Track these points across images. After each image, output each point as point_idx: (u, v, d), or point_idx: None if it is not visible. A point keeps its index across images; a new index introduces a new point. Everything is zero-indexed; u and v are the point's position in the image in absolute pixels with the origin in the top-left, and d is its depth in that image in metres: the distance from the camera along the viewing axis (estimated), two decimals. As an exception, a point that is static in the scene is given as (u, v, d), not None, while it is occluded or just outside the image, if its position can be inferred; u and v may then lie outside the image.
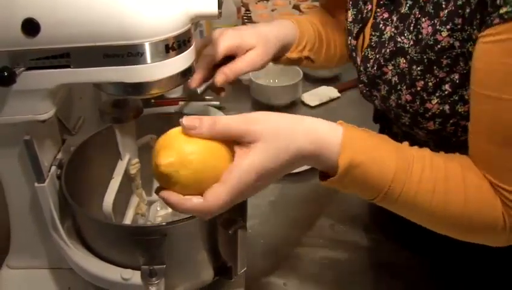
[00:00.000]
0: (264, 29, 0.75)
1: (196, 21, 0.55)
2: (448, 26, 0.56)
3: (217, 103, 1.17)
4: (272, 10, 1.68)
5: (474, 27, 0.53)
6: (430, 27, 0.58)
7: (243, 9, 1.63)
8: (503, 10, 0.48)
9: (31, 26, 0.48)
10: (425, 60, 0.60)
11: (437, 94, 0.61)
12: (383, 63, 0.66)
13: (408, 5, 0.63)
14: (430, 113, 0.62)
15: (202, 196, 0.48)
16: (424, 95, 0.61)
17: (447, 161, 0.55)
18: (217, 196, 0.48)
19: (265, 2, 1.77)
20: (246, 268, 0.63)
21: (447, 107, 0.61)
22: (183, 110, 1.03)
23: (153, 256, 0.57)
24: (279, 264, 0.80)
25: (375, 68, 0.68)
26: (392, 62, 0.65)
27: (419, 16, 0.60)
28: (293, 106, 1.21)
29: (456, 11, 0.55)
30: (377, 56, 0.68)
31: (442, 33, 0.57)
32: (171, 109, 1.05)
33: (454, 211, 0.54)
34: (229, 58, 0.72)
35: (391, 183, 0.53)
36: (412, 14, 0.62)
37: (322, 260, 0.81)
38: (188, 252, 0.60)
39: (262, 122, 0.50)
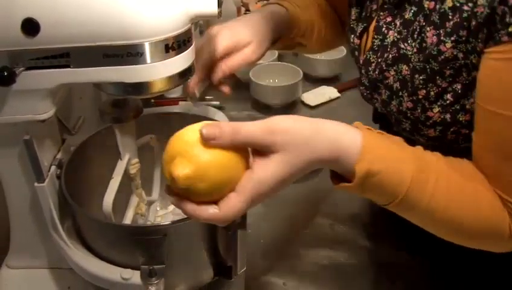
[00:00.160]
0: (258, 23, 0.76)
1: (196, 21, 0.55)
2: (452, 38, 0.56)
3: (217, 102, 1.17)
4: (272, 10, 1.68)
5: (479, 40, 0.53)
6: (434, 37, 0.58)
7: (243, 9, 1.63)
8: None
9: (30, 26, 0.48)
10: (428, 70, 0.59)
11: (439, 103, 0.60)
12: (384, 68, 0.66)
13: (413, 11, 0.62)
14: (431, 121, 0.62)
15: (217, 203, 0.48)
16: (426, 104, 0.61)
17: (461, 169, 0.55)
18: (232, 205, 0.47)
19: (265, 1, 1.77)
20: (245, 268, 0.63)
21: (448, 116, 0.61)
22: (183, 110, 1.02)
23: (153, 256, 0.57)
24: (279, 264, 0.80)
25: (376, 72, 0.67)
26: (394, 68, 0.64)
27: (424, 23, 0.60)
28: (293, 106, 1.21)
29: (461, 23, 0.54)
30: (379, 60, 0.67)
31: (447, 44, 0.56)
32: (171, 109, 1.05)
33: (465, 220, 0.54)
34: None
35: (406, 191, 0.52)
36: (416, 21, 0.61)
37: (321, 260, 0.81)
38: (188, 252, 0.60)
39: (284, 132, 0.48)
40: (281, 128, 0.48)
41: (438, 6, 0.57)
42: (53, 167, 0.63)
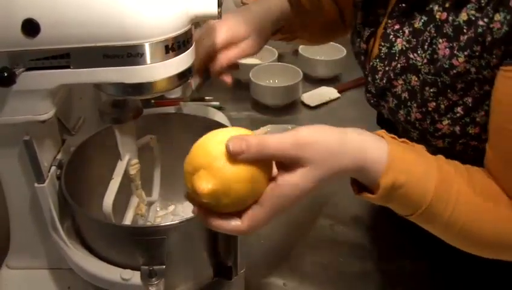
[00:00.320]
0: (257, 16, 0.76)
1: (196, 21, 0.55)
2: (466, 53, 0.55)
3: (217, 103, 1.17)
4: (272, 10, 1.68)
5: (494, 56, 0.52)
6: (447, 49, 0.57)
7: (242, 9, 1.63)
8: None
9: (30, 27, 0.48)
10: (439, 83, 0.58)
11: (448, 116, 0.60)
12: (392, 77, 0.64)
13: (423, 20, 0.61)
14: (440, 133, 0.61)
15: (240, 214, 0.48)
16: (435, 116, 0.61)
17: (481, 182, 0.55)
18: (255, 218, 0.48)
19: (265, 2, 1.77)
20: (245, 268, 0.63)
21: (457, 128, 0.60)
22: (183, 111, 1.02)
23: (153, 256, 0.57)
24: (279, 265, 0.80)
25: (384, 81, 0.66)
26: (403, 77, 0.63)
27: (436, 35, 0.58)
28: (292, 107, 1.21)
29: (476, 38, 0.53)
30: (386, 68, 0.66)
31: (459, 58, 0.55)
32: (171, 109, 1.05)
33: (486, 234, 0.54)
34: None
35: (429, 204, 0.52)
36: (426, 31, 0.60)
37: (321, 261, 0.81)
38: (188, 253, 0.60)
39: (312, 146, 0.47)
40: (308, 141, 0.47)
41: (451, 18, 0.56)
42: (53, 168, 0.63)
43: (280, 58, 1.33)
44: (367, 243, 0.84)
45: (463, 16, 0.55)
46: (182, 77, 0.55)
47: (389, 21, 0.66)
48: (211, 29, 0.72)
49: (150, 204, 0.76)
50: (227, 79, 0.75)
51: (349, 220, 0.89)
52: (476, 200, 0.53)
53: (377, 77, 0.68)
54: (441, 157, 0.55)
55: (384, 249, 0.82)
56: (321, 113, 1.20)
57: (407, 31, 0.63)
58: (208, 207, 0.47)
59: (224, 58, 0.72)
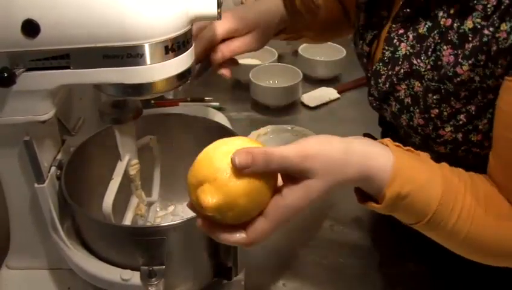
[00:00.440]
0: (260, 10, 0.75)
1: (195, 22, 0.55)
2: (470, 61, 0.54)
3: (217, 104, 1.17)
4: (272, 11, 1.68)
5: (499, 66, 0.52)
6: (452, 56, 0.56)
7: (242, 10, 1.63)
8: None
9: (30, 27, 0.48)
10: (443, 90, 0.58)
11: (451, 123, 0.60)
12: (395, 82, 0.64)
13: (427, 26, 0.60)
14: (442, 139, 0.61)
15: (244, 226, 0.48)
16: (438, 123, 0.60)
17: (484, 191, 0.55)
18: (260, 231, 0.48)
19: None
20: (245, 269, 0.63)
21: (460, 135, 0.60)
22: (183, 111, 1.03)
23: (153, 257, 0.57)
24: (279, 265, 0.80)
25: (387, 85, 0.66)
26: (406, 82, 0.63)
27: (440, 41, 0.58)
28: (292, 107, 1.21)
29: (481, 47, 0.53)
30: (390, 73, 0.65)
31: (463, 67, 0.55)
32: (171, 110, 1.05)
33: (488, 243, 0.54)
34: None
35: (433, 213, 0.52)
36: (430, 37, 0.59)
37: (321, 261, 0.81)
38: (188, 253, 0.60)
39: (317, 158, 0.47)
40: (313, 153, 0.47)
41: (455, 25, 0.56)
42: (53, 168, 0.63)
43: (280, 58, 1.33)
44: (367, 244, 0.84)
45: (468, 24, 0.54)
46: (182, 77, 0.55)
47: (394, 25, 0.65)
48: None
49: (149, 204, 0.76)
50: (227, 73, 0.74)
51: (350, 221, 0.89)
52: (479, 209, 0.53)
53: (379, 81, 0.67)
54: (445, 165, 0.55)
55: (385, 250, 0.82)
56: (321, 113, 1.20)
57: (411, 36, 0.63)
58: (212, 219, 0.47)
59: (226, 49, 0.71)
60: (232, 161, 0.44)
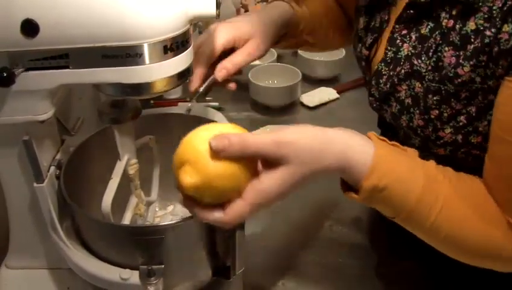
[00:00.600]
0: (259, 17, 0.74)
1: (194, 22, 0.55)
2: (472, 62, 0.54)
3: (216, 104, 1.17)
4: (271, 11, 1.68)
5: (500, 66, 0.52)
6: (453, 58, 0.56)
7: (242, 10, 1.63)
8: None
9: (30, 27, 0.48)
10: (443, 91, 0.58)
11: (451, 124, 0.59)
12: (396, 82, 0.64)
13: (429, 27, 0.60)
14: (441, 141, 0.61)
15: (223, 206, 0.49)
16: (438, 124, 0.60)
17: (470, 190, 0.55)
18: (237, 211, 0.49)
19: (264, 3, 1.77)
20: (244, 268, 0.63)
21: (460, 137, 0.60)
22: (182, 111, 1.02)
23: (152, 256, 0.57)
24: (278, 265, 0.80)
25: (388, 86, 0.66)
26: (407, 83, 0.63)
27: (441, 42, 0.58)
28: (292, 107, 1.21)
29: (483, 48, 0.53)
30: (391, 73, 0.65)
31: (465, 68, 0.55)
32: (170, 110, 1.05)
33: (467, 242, 0.55)
34: (228, 53, 0.71)
35: (411, 210, 0.53)
36: (432, 37, 0.59)
37: (320, 261, 0.81)
38: (187, 252, 0.60)
39: (292, 146, 0.49)
40: (289, 140, 0.49)
41: (458, 26, 0.55)
42: (52, 168, 0.63)
43: (279, 58, 1.34)
44: (366, 243, 0.85)
45: (471, 25, 0.54)
46: (181, 77, 0.55)
47: (397, 26, 0.65)
48: (213, 30, 0.70)
49: (148, 204, 0.76)
50: (233, 86, 0.73)
51: (349, 220, 0.89)
52: (462, 209, 0.54)
53: (381, 81, 0.67)
54: (431, 162, 0.56)
55: (384, 250, 0.83)
56: (320, 113, 1.21)
57: (413, 37, 0.63)
58: (193, 198, 0.49)
59: (230, 65, 0.69)
60: (210, 144, 0.47)
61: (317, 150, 0.50)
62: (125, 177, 0.65)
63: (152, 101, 1.14)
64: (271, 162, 0.49)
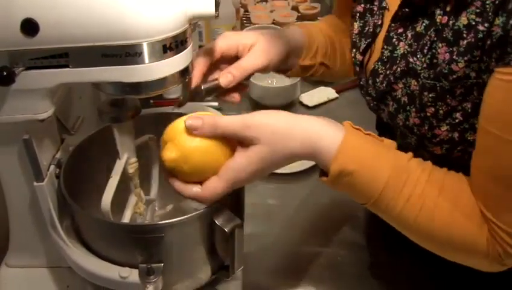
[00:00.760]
0: (268, 30, 0.71)
1: (194, 22, 0.55)
2: (466, 58, 0.54)
3: (216, 103, 1.18)
4: (271, 11, 1.69)
5: (493, 59, 0.52)
6: (447, 54, 0.56)
7: (241, 10, 1.63)
8: None
9: (30, 26, 0.49)
10: (438, 88, 0.58)
11: (447, 121, 0.60)
12: (393, 81, 0.64)
13: (424, 24, 0.60)
14: (438, 139, 0.61)
15: (201, 184, 0.55)
16: (434, 121, 0.61)
17: (445, 185, 0.55)
18: (213, 188, 0.55)
19: (264, 3, 1.77)
20: (243, 267, 0.63)
21: (456, 134, 0.60)
22: (182, 111, 1.03)
23: (151, 254, 0.57)
24: (277, 264, 0.80)
25: (384, 84, 0.66)
26: (403, 81, 0.63)
27: (436, 38, 0.58)
28: (291, 107, 1.22)
29: (476, 44, 0.53)
30: (387, 72, 0.65)
31: (459, 64, 0.55)
32: (170, 109, 1.06)
33: (436, 233, 0.55)
34: (232, 62, 0.68)
35: (379, 196, 0.54)
36: (427, 35, 0.59)
37: (320, 260, 0.81)
38: (186, 251, 0.61)
39: (259, 127, 0.54)
40: (256, 123, 0.54)
41: (451, 22, 0.56)
42: (52, 167, 0.64)
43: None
44: (366, 242, 0.85)
45: (463, 20, 0.54)
46: (180, 76, 0.55)
47: (393, 24, 0.65)
48: (218, 36, 0.68)
49: (148, 203, 0.76)
50: (237, 97, 0.69)
51: (348, 219, 0.89)
52: (434, 198, 0.54)
53: (377, 80, 0.67)
54: (408, 154, 0.57)
55: (383, 249, 0.83)
56: (319, 113, 1.20)
57: (409, 35, 0.63)
58: (176, 174, 0.56)
59: (235, 70, 0.65)
60: (185, 123, 0.54)
61: (283, 133, 0.54)
62: (125, 176, 0.65)
63: (152, 101, 1.14)
64: (244, 142, 0.54)
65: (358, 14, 0.73)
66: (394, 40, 0.65)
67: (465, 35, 0.54)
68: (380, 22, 0.68)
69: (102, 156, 0.68)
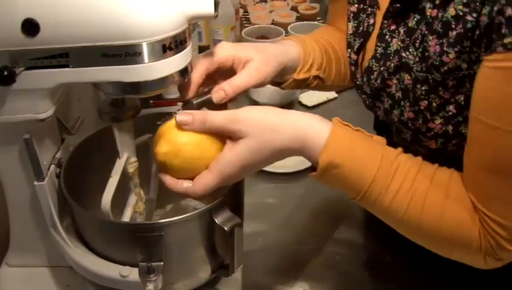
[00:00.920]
0: (263, 44, 0.70)
1: (193, 22, 0.55)
2: (456, 49, 0.55)
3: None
4: (270, 12, 1.69)
5: (483, 49, 0.52)
6: (437, 46, 0.57)
7: (241, 10, 1.64)
8: (507, 40, 0.47)
9: (30, 27, 0.49)
10: (431, 80, 0.58)
11: (441, 114, 0.60)
12: (387, 77, 0.65)
13: (416, 19, 0.61)
14: (432, 133, 0.62)
15: (192, 180, 0.56)
16: (428, 115, 0.61)
17: (435, 177, 0.56)
18: (204, 182, 0.56)
19: (263, 3, 1.78)
20: (242, 265, 0.64)
21: (450, 127, 0.60)
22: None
23: (151, 253, 0.58)
24: (277, 263, 0.81)
25: (378, 81, 0.66)
26: (397, 76, 0.63)
27: (426, 32, 0.58)
28: (290, 107, 1.22)
29: (465, 34, 0.53)
30: (381, 69, 0.66)
31: (450, 55, 0.55)
32: (170, 109, 1.06)
33: (427, 225, 0.55)
34: (227, 76, 0.66)
35: (367, 190, 0.54)
36: (418, 29, 0.60)
37: (319, 259, 0.81)
38: (186, 250, 0.61)
39: (247, 121, 0.54)
40: (243, 117, 0.54)
41: (440, 15, 0.56)
42: (52, 166, 0.64)
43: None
44: (365, 241, 0.85)
45: (451, 11, 0.55)
46: (180, 75, 0.56)
47: (385, 21, 0.66)
48: (216, 46, 0.67)
49: (148, 202, 0.76)
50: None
51: (347, 218, 0.89)
52: (426, 188, 0.54)
53: (372, 77, 0.68)
54: (399, 149, 0.57)
55: (382, 248, 0.83)
56: (318, 113, 1.17)
57: (402, 31, 0.63)
58: (169, 172, 0.57)
59: (228, 87, 0.63)
60: (175, 119, 0.55)
61: (271, 127, 0.54)
62: (125, 175, 0.65)
63: (152, 101, 1.14)
64: (233, 136, 0.55)
65: (352, 15, 0.74)
66: (387, 37, 0.66)
67: (453, 26, 0.54)
68: (372, 22, 0.69)
69: (102, 156, 0.68)
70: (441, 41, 0.56)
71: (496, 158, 0.52)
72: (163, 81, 0.54)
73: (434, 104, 0.60)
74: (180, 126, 0.55)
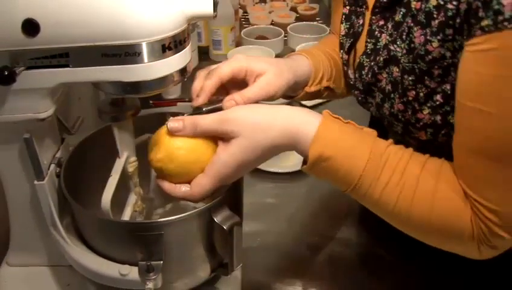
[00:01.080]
0: (275, 59, 0.71)
1: (192, 22, 0.56)
2: (439, 37, 0.55)
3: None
4: (270, 12, 1.70)
5: (465, 36, 0.53)
6: (422, 36, 0.58)
7: (240, 11, 1.64)
8: (484, 23, 0.48)
9: (30, 27, 0.49)
10: (417, 70, 0.59)
11: (428, 104, 0.60)
12: (377, 71, 0.66)
13: (402, 13, 0.62)
14: (421, 123, 0.62)
15: (190, 183, 0.57)
16: (416, 105, 0.61)
17: (426, 164, 0.56)
18: (200, 185, 0.57)
19: (262, 4, 1.78)
20: (242, 264, 0.64)
21: (438, 117, 0.61)
22: (182, 111, 1.03)
23: (151, 252, 0.58)
24: (276, 261, 0.81)
25: (369, 76, 0.68)
26: (386, 70, 0.64)
27: (412, 24, 0.59)
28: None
29: (447, 22, 0.54)
30: (372, 64, 0.67)
31: (433, 44, 0.56)
32: (170, 110, 1.06)
33: (418, 216, 0.55)
34: (239, 88, 0.65)
35: (357, 182, 0.55)
36: (404, 22, 0.61)
37: (318, 257, 0.82)
38: (185, 248, 0.61)
39: (237, 120, 0.55)
40: (234, 118, 0.55)
41: (423, 6, 0.57)
42: (52, 166, 0.64)
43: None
44: (364, 239, 0.85)
45: (432, 1, 0.56)
46: (179, 75, 0.56)
47: (374, 17, 0.68)
48: (230, 56, 0.68)
49: (148, 201, 0.77)
50: None
51: (346, 217, 0.89)
52: (417, 175, 0.54)
53: (363, 72, 0.69)
54: (389, 141, 0.57)
55: (382, 246, 0.83)
56: (318, 112, 1.21)
57: (390, 26, 0.65)
58: (166, 178, 0.58)
59: (239, 98, 0.62)
60: (167, 126, 0.56)
61: (262, 125, 0.55)
62: (125, 174, 0.65)
63: (151, 102, 1.15)
64: (225, 138, 0.56)
65: (344, 16, 0.76)
66: (376, 32, 0.67)
67: (435, 15, 0.55)
68: (361, 22, 0.71)
69: (102, 156, 0.68)
70: (424, 31, 0.57)
71: (482, 141, 0.52)
72: (162, 80, 0.54)
73: (421, 94, 0.60)
74: (173, 133, 0.56)
